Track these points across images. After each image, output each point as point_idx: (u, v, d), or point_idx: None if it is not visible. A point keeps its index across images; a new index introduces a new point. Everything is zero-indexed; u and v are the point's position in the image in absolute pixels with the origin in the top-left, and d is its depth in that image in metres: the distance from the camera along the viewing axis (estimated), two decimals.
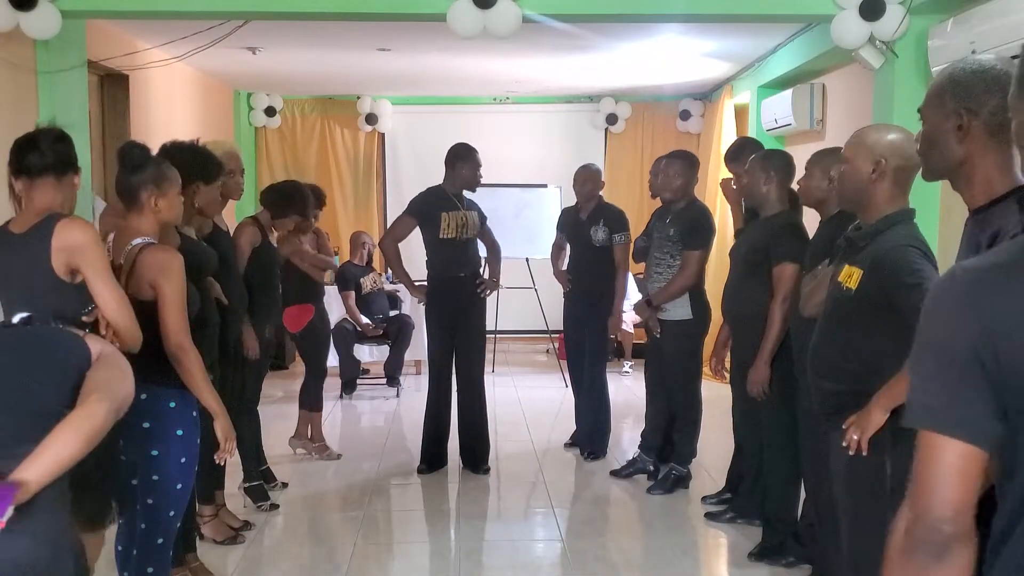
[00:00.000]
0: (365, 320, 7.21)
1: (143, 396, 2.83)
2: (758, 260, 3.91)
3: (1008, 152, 1.79)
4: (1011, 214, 1.68)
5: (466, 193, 5.29)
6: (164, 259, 2.81)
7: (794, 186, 3.89)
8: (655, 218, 5.19)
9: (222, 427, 2.91)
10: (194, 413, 2.91)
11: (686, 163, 4.91)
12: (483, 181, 5.28)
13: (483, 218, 5.35)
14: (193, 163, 3.48)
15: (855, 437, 2.51)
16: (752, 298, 3.92)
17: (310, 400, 5.52)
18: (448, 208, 5.14)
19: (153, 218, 2.91)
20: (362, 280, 7.35)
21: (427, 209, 5.17)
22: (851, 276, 2.57)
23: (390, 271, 6.83)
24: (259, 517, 4.50)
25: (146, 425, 2.81)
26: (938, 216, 4.17)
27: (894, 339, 2.53)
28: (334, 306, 7.50)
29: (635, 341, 8.03)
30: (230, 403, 4.01)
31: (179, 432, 2.85)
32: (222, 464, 3.03)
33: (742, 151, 4.53)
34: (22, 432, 1.91)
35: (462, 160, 5.16)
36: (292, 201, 4.79)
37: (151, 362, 2.74)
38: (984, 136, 1.81)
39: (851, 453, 2.53)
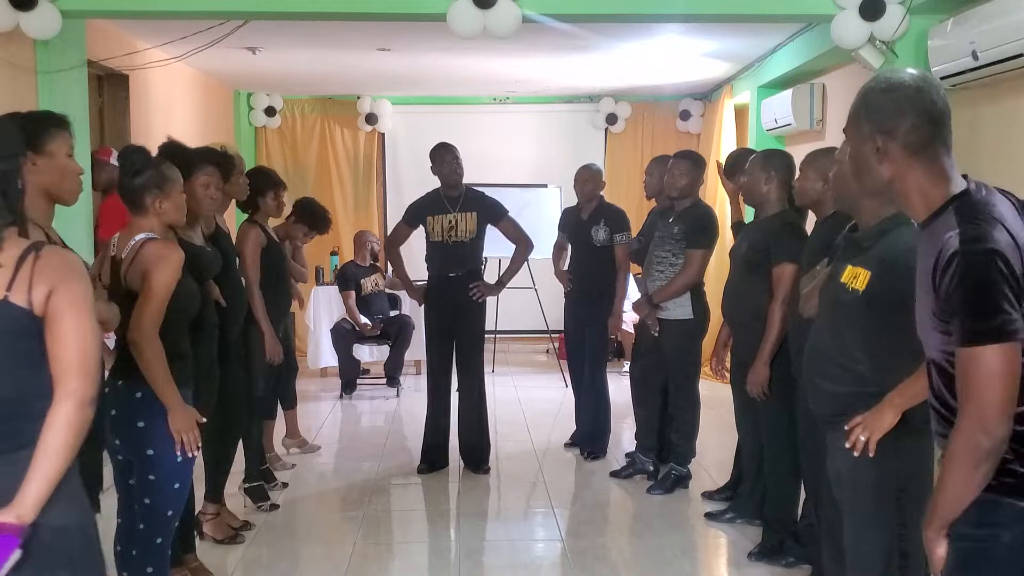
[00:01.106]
0: (364, 320, 7.21)
1: (138, 395, 2.82)
2: (758, 260, 3.91)
3: (936, 164, 1.77)
4: (951, 227, 1.66)
5: (489, 192, 5.33)
6: (163, 252, 2.80)
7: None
8: (654, 218, 5.18)
9: (175, 420, 2.79)
10: None
11: (692, 163, 4.90)
12: (483, 181, 5.30)
13: (498, 215, 5.28)
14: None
15: (862, 438, 2.44)
16: (752, 298, 3.92)
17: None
18: (435, 212, 5.18)
19: (157, 220, 2.91)
20: (363, 281, 7.35)
21: (416, 214, 5.28)
22: (856, 277, 2.51)
23: (390, 271, 6.92)
24: (259, 517, 4.49)
25: (141, 424, 2.80)
26: None
27: (904, 339, 2.50)
28: (334, 306, 7.53)
29: (635, 341, 8.01)
30: (233, 404, 4.01)
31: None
32: (191, 457, 2.85)
33: (738, 165, 4.50)
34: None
35: (433, 161, 5.21)
36: (254, 184, 4.49)
37: None
38: (904, 155, 1.79)
39: (856, 454, 2.45)
